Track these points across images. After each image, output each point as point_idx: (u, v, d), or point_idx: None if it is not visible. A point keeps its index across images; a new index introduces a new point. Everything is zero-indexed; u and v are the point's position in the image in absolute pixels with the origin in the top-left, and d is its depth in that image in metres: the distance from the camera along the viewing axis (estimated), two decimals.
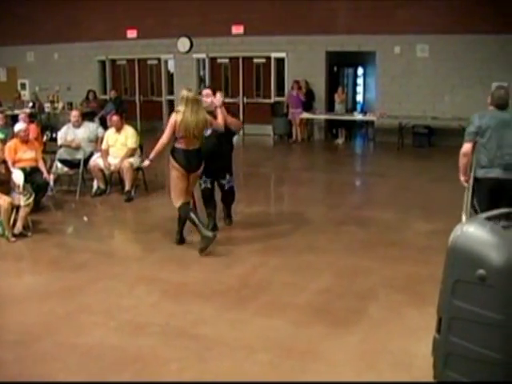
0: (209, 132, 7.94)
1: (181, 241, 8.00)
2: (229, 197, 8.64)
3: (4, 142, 10.12)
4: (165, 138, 7.62)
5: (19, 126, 10.05)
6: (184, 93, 7.67)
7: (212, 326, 5.60)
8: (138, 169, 10.99)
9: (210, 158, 7.92)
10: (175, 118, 7.56)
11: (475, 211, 6.63)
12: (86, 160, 10.99)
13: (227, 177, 8.42)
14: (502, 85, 7.06)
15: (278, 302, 6.14)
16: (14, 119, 13.48)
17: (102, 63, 21.68)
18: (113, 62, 21.67)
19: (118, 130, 10.99)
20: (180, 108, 7.61)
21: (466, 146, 6.60)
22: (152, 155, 7.81)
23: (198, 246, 7.54)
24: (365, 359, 4.94)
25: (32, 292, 6.58)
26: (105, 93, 21.03)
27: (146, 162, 8.06)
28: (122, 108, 17.04)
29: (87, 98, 19.27)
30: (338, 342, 5.24)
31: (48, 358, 5.07)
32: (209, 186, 8.39)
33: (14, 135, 10.26)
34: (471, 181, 6.76)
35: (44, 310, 6.04)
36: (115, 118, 11.18)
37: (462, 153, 6.66)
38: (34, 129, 11.68)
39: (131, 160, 10.75)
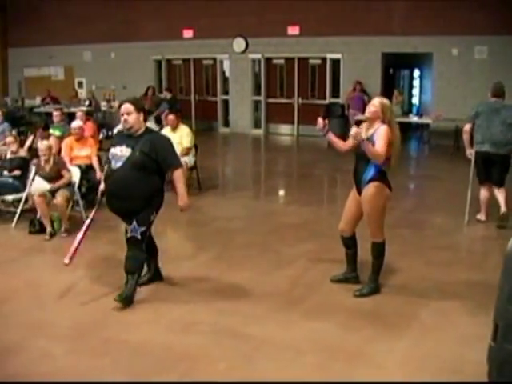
0: (119, 164, 5.96)
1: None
2: (129, 249, 6.16)
3: (61, 138, 10.30)
4: (384, 154, 5.95)
5: (74, 124, 10.24)
6: (386, 101, 6.23)
7: (261, 326, 5.60)
8: (192, 168, 11.07)
9: (114, 195, 6.10)
10: (389, 135, 6.02)
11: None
12: None
13: (134, 224, 6.01)
14: (499, 80, 8.97)
15: (328, 304, 6.10)
16: (71, 117, 13.69)
17: (158, 63, 21.88)
18: (168, 61, 21.84)
19: (174, 129, 11.08)
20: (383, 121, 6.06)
21: (466, 126, 8.87)
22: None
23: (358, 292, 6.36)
24: (414, 363, 4.88)
25: (82, 287, 6.67)
26: (160, 92, 21.22)
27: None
28: (175, 107, 17.16)
29: (146, 93, 19.36)
30: (387, 345, 5.18)
31: (97, 353, 5.14)
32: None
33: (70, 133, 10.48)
34: (473, 152, 8.81)
35: (95, 305, 6.12)
36: (171, 117, 11.28)
37: (463, 131, 8.94)
38: (90, 126, 11.88)
39: (185, 159, 10.81)
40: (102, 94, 20.92)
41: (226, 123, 21.03)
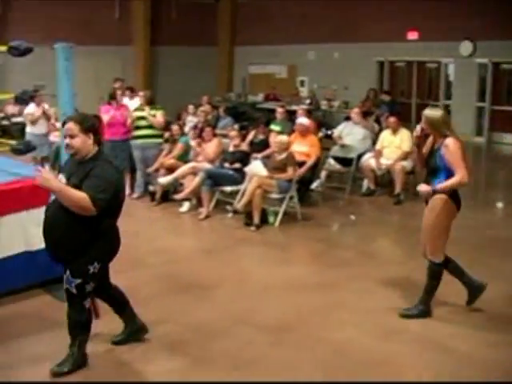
0: (52, 198, 4.86)
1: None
2: (68, 305, 4.86)
3: (280, 134, 10.52)
4: (466, 173, 5.51)
5: (300, 120, 10.68)
6: (439, 113, 5.77)
7: (468, 342, 5.36)
8: (410, 172, 10.85)
9: (44, 238, 4.80)
10: (459, 145, 5.59)
11: None
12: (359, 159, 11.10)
13: (67, 274, 4.71)
14: None
15: None
16: (291, 114, 13.92)
17: (381, 64, 21.70)
18: (391, 63, 21.60)
19: (394, 131, 10.95)
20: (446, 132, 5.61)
21: None
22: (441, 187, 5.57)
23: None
24: None
25: (290, 282, 6.78)
26: (380, 94, 21.02)
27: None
28: (395, 110, 16.91)
29: (368, 96, 19.31)
30: None
31: (299, 348, 5.23)
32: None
33: (292, 130, 10.76)
34: None
35: (299, 300, 6.20)
36: (392, 119, 11.14)
37: None
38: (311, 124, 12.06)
39: (404, 163, 10.64)
40: (322, 93, 21.11)
41: None
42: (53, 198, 4.78)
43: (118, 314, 5.27)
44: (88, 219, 4.54)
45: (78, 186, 4.53)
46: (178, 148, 10.46)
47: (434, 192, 5.57)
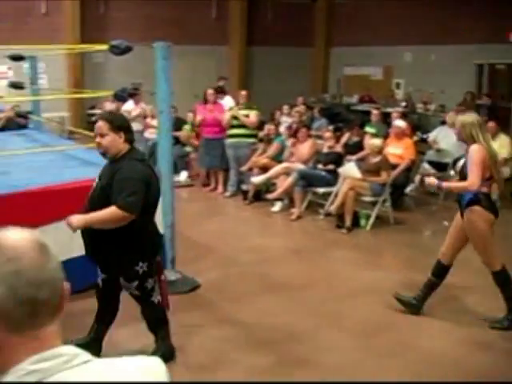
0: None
1: None
2: (144, 310, 4.91)
3: (375, 136, 10.43)
4: (477, 181, 5.37)
5: (397, 122, 10.65)
6: (465, 118, 5.71)
7: None
8: (508, 179, 10.54)
9: (83, 239, 4.74)
10: (482, 153, 5.43)
11: None
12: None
13: (122, 281, 4.75)
14: None
15: None
16: (386, 117, 13.76)
17: (479, 67, 21.17)
18: (491, 66, 21.03)
19: (493, 137, 10.63)
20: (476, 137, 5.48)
21: None
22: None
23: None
24: None
25: (379, 286, 6.70)
26: (479, 98, 20.51)
27: None
28: (494, 114, 16.48)
29: (465, 99, 18.90)
30: None
31: (386, 354, 5.17)
32: (99, 282, 4.96)
33: (387, 133, 10.66)
34: None
35: (388, 306, 6.13)
36: (491, 124, 10.86)
37: None
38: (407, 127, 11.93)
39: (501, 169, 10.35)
40: (418, 96, 20.76)
41: None
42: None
43: (95, 318, 5.05)
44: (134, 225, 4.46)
45: (105, 188, 4.49)
46: (273, 148, 10.51)
47: (439, 188, 5.90)
